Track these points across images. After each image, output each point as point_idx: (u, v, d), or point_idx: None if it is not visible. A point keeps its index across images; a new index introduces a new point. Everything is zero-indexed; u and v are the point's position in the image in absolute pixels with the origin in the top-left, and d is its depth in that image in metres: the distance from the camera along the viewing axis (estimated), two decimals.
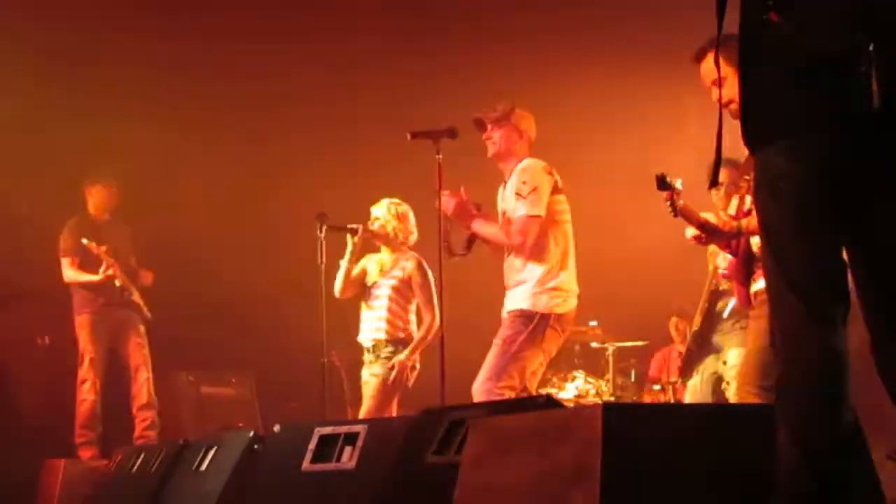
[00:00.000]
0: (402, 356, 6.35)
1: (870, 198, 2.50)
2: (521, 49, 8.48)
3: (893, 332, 2.53)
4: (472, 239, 5.56)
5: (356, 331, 6.62)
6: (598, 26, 8.42)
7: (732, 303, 5.82)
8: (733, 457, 2.89)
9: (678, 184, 4.65)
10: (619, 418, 2.82)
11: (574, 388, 8.16)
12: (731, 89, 3.53)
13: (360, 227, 6.47)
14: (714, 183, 2.91)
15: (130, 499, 5.69)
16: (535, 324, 5.27)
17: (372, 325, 6.50)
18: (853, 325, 2.58)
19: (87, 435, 7.52)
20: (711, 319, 6.15)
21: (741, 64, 2.61)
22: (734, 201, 4.81)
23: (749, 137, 2.62)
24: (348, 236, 6.46)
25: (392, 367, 6.33)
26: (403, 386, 6.40)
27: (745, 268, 4.93)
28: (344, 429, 4.42)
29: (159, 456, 5.67)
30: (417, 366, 6.44)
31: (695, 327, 6.30)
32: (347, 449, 4.26)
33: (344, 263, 6.50)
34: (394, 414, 6.37)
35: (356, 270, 6.58)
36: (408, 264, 6.52)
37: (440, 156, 5.49)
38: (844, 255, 2.60)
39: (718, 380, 6.15)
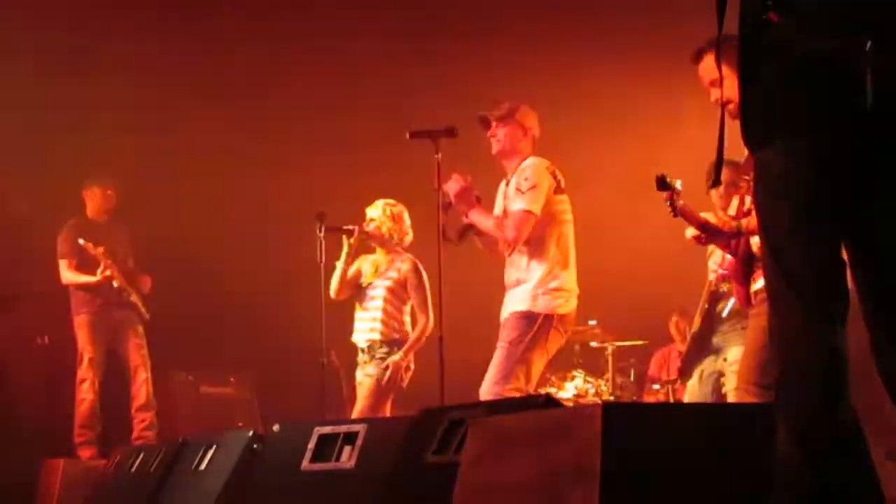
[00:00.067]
0: (396, 356, 6.35)
1: (870, 197, 2.50)
2: (521, 49, 8.48)
3: (893, 332, 2.53)
4: (467, 229, 5.54)
5: (352, 331, 6.62)
6: (598, 26, 8.41)
7: (731, 303, 5.82)
8: (733, 456, 2.90)
9: (678, 184, 4.65)
10: (618, 418, 2.82)
11: (573, 388, 8.16)
12: (731, 89, 3.53)
13: (356, 228, 6.47)
14: (716, 182, 2.91)
15: (130, 498, 5.69)
16: (538, 325, 5.27)
17: (367, 325, 6.50)
18: (853, 325, 2.58)
19: (87, 435, 7.53)
20: (711, 320, 6.15)
21: (741, 64, 2.61)
22: (734, 201, 4.82)
23: (749, 137, 2.62)
24: (344, 237, 6.46)
25: (386, 368, 6.33)
26: (398, 387, 6.40)
27: (744, 267, 4.93)
28: (343, 428, 4.42)
29: (158, 455, 5.67)
30: (412, 366, 6.44)
31: (694, 328, 6.30)
32: (347, 448, 4.27)
33: (340, 264, 6.50)
34: (387, 415, 6.36)
35: (351, 271, 6.58)
36: (403, 265, 6.52)
37: (439, 155, 5.49)
38: (844, 255, 2.60)
39: (718, 379, 6.15)
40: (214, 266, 8.64)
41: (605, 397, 8.10)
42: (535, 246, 5.37)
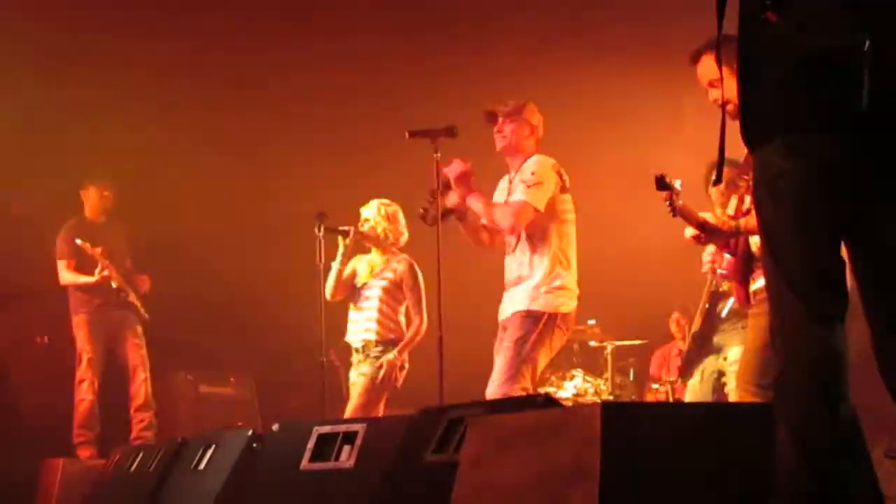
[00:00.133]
0: (390, 355, 6.35)
1: (869, 196, 2.51)
2: (520, 49, 8.49)
3: (894, 330, 2.53)
4: (447, 214, 5.52)
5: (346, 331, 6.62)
6: (597, 26, 8.42)
7: (731, 303, 5.83)
8: (732, 456, 2.90)
9: (677, 184, 4.65)
10: (617, 417, 2.82)
11: (573, 387, 8.17)
12: (729, 89, 3.53)
13: (351, 228, 6.46)
14: (718, 180, 2.91)
15: (129, 498, 5.69)
16: (543, 323, 5.27)
17: (361, 325, 6.50)
18: (853, 324, 2.58)
19: (86, 434, 7.53)
20: (712, 320, 6.15)
21: (740, 64, 2.62)
22: (733, 201, 4.82)
23: (748, 136, 2.62)
24: (339, 238, 6.46)
25: (381, 367, 6.33)
26: (392, 386, 6.39)
27: (743, 267, 4.93)
28: (343, 428, 4.42)
29: (158, 455, 5.67)
30: (406, 365, 6.44)
31: (695, 328, 6.31)
32: (346, 448, 4.27)
33: (335, 265, 6.49)
34: (380, 414, 6.36)
35: (346, 272, 6.58)
36: (399, 266, 6.52)
37: (438, 154, 5.50)
38: (843, 254, 2.61)
39: (718, 378, 6.15)
40: (214, 266, 8.64)
41: (605, 397, 8.10)
42: (538, 243, 5.37)
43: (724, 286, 5.89)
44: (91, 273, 7.58)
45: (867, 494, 2.63)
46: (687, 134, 8.51)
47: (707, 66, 4.37)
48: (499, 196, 5.60)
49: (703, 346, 6.29)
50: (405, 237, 6.65)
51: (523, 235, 5.40)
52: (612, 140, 8.74)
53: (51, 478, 7.22)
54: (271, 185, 8.93)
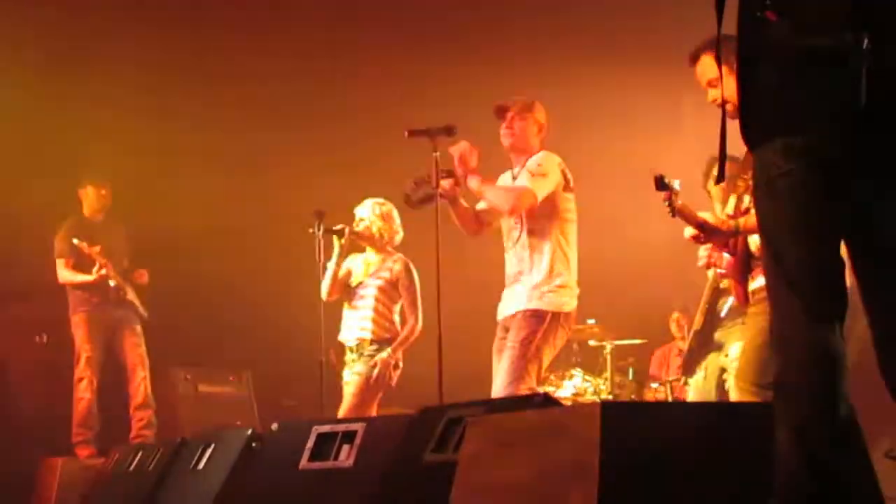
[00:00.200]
0: (384, 354, 6.34)
1: (869, 196, 2.51)
2: (520, 48, 8.49)
3: (894, 330, 2.53)
4: (430, 198, 5.50)
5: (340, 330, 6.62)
6: (596, 26, 8.42)
7: (731, 300, 5.83)
8: (732, 455, 2.90)
9: (676, 184, 4.65)
10: (617, 417, 2.82)
11: (572, 387, 8.17)
12: (729, 89, 3.53)
13: (346, 228, 6.45)
14: (720, 179, 2.91)
15: (128, 497, 5.69)
16: (547, 323, 5.27)
17: (356, 324, 6.49)
18: (853, 324, 2.58)
19: (85, 434, 7.53)
20: (713, 317, 6.15)
21: (740, 63, 2.62)
22: (732, 200, 4.82)
23: (748, 136, 2.62)
24: (334, 238, 6.45)
25: (374, 366, 6.32)
26: (386, 385, 6.38)
27: (742, 266, 4.94)
28: (342, 427, 4.42)
29: (157, 454, 5.67)
30: (400, 364, 6.44)
31: (696, 326, 6.31)
32: (345, 447, 4.27)
33: (330, 265, 6.48)
34: (374, 413, 6.36)
35: (342, 272, 6.57)
36: (395, 266, 6.52)
37: (437, 153, 5.50)
38: (843, 253, 2.61)
39: (720, 375, 6.15)
40: (213, 265, 8.64)
41: (604, 396, 8.10)
42: (539, 241, 5.37)
43: (724, 283, 5.89)
44: (89, 272, 7.58)
45: (867, 494, 2.63)
46: (686, 134, 8.52)
47: (706, 66, 4.38)
48: None
49: (704, 343, 6.29)
50: (400, 236, 6.65)
51: (524, 231, 5.40)
52: (611, 140, 8.74)
53: (50, 477, 7.22)
54: (270, 184, 8.93)
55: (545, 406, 3.53)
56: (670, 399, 7.91)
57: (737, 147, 2.76)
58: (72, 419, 7.58)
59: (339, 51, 8.60)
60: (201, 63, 8.49)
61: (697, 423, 3.00)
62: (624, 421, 2.84)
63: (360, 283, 6.56)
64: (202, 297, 8.58)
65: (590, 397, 8.07)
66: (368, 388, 6.33)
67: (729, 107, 3.71)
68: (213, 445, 5.17)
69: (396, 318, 6.54)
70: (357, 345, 6.46)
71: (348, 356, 6.50)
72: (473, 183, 5.39)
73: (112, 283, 7.61)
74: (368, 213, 6.58)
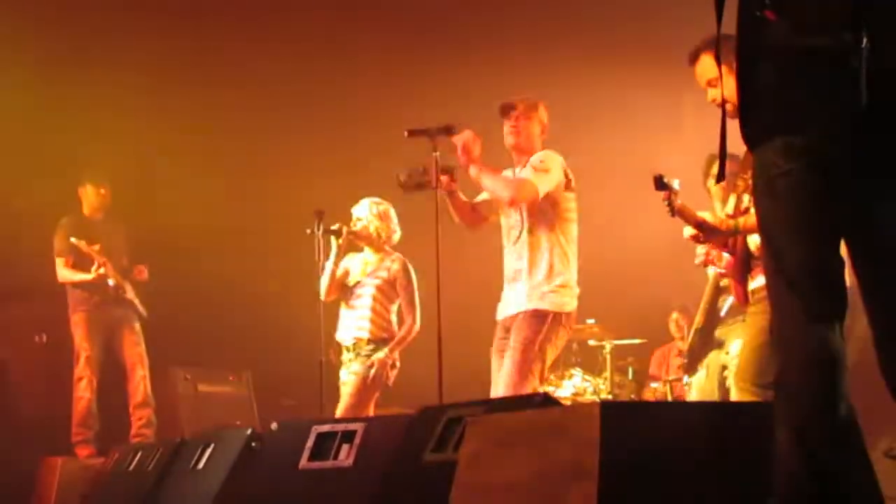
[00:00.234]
0: (380, 354, 6.34)
1: (869, 196, 2.51)
2: (519, 48, 8.48)
3: (895, 331, 2.53)
4: (421, 186, 5.49)
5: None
6: (595, 25, 8.42)
7: (731, 299, 5.83)
8: (731, 455, 2.90)
9: (675, 184, 4.65)
10: (616, 417, 2.82)
11: (571, 386, 8.16)
12: (728, 89, 3.53)
13: (344, 228, 6.45)
14: (720, 178, 2.91)
15: (128, 497, 5.69)
16: (549, 323, 5.27)
17: (353, 323, 6.49)
18: (853, 323, 2.58)
19: (84, 433, 7.52)
20: (714, 315, 6.16)
21: (739, 63, 2.62)
22: (731, 199, 4.82)
23: (748, 135, 2.62)
24: (332, 238, 6.44)
25: (371, 366, 6.32)
26: (383, 385, 6.38)
27: (742, 266, 4.94)
28: (341, 427, 4.42)
29: (156, 454, 5.67)
30: (397, 364, 6.43)
31: (697, 324, 6.31)
32: (345, 447, 4.27)
33: (328, 265, 6.47)
34: (371, 413, 6.35)
35: (340, 271, 6.57)
36: (393, 265, 6.51)
37: (437, 153, 5.50)
38: (843, 253, 2.61)
39: (722, 373, 6.16)
40: (213, 265, 8.64)
41: (603, 396, 8.10)
42: (540, 239, 5.36)
43: (725, 281, 5.90)
44: (89, 271, 7.58)
45: (866, 494, 2.63)
46: (685, 133, 8.51)
47: (705, 66, 4.38)
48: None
49: (705, 341, 6.30)
50: (398, 235, 6.64)
51: (525, 230, 5.39)
52: (611, 139, 8.74)
53: (49, 477, 7.22)
54: (270, 184, 8.93)
55: (545, 406, 3.53)
56: (670, 399, 7.92)
57: (737, 146, 2.76)
58: (71, 419, 7.58)
59: (339, 51, 8.60)
60: (201, 63, 8.49)
61: (697, 422, 3.00)
62: (623, 421, 2.84)
63: (358, 283, 6.56)
64: (202, 297, 8.57)
65: (589, 397, 8.07)
66: (365, 387, 6.32)
67: (729, 106, 3.71)
68: (212, 445, 5.16)
69: (394, 317, 6.54)
70: (354, 344, 6.45)
71: (345, 356, 6.49)
72: (475, 172, 5.37)
73: (111, 281, 7.61)
74: (366, 212, 6.57)
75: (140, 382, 7.68)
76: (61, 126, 8.24)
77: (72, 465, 7.25)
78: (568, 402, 7.00)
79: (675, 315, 8.68)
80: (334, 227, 6.42)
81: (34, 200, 8.06)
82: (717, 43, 2.85)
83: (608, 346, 8.33)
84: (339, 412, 6.28)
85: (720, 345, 6.17)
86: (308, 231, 6.42)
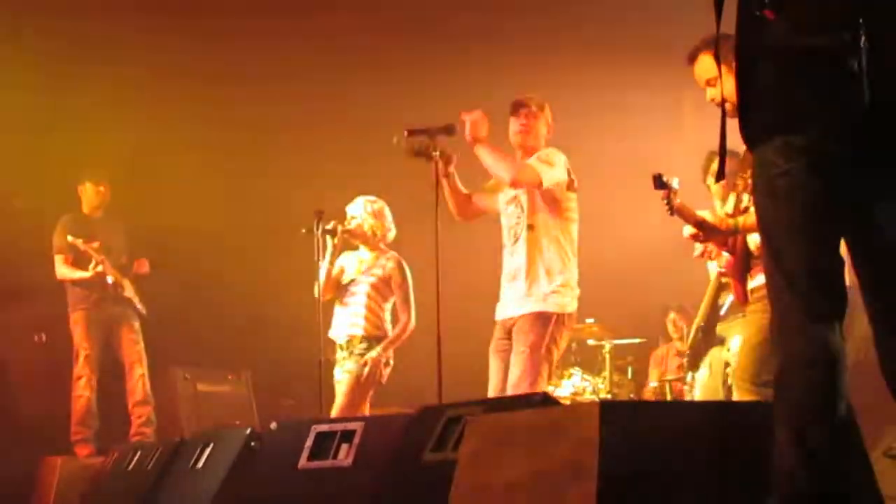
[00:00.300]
0: (374, 352, 6.33)
1: (869, 196, 2.51)
2: (518, 48, 8.48)
3: (895, 330, 2.53)
4: (420, 153, 5.45)
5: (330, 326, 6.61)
6: (594, 24, 8.42)
7: (731, 297, 5.83)
8: (731, 455, 2.89)
9: (675, 183, 4.65)
10: (615, 416, 2.82)
11: (570, 386, 8.17)
12: (728, 88, 3.53)
13: (339, 226, 6.44)
14: (720, 176, 2.91)
15: (127, 496, 5.69)
16: (553, 324, 5.26)
17: (347, 320, 6.47)
18: (853, 323, 2.59)
19: (84, 432, 7.52)
20: (715, 313, 6.16)
21: (739, 62, 2.62)
22: (731, 199, 4.82)
23: (747, 135, 2.63)
24: (327, 237, 6.43)
25: (365, 364, 6.31)
26: (377, 383, 6.37)
27: (742, 265, 4.95)
28: (341, 426, 4.42)
29: (156, 453, 5.67)
30: (391, 362, 6.42)
31: (699, 322, 6.31)
32: (344, 446, 4.27)
33: (324, 264, 6.47)
34: (366, 412, 6.35)
35: (335, 270, 6.56)
36: (388, 264, 6.50)
37: (437, 153, 5.49)
38: (843, 252, 2.61)
39: (724, 370, 6.16)
40: (212, 264, 8.64)
41: (603, 395, 8.10)
42: (541, 238, 5.34)
43: (726, 279, 5.90)
44: (87, 268, 7.58)
45: (866, 494, 2.63)
46: (685, 132, 8.51)
47: (704, 66, 4.38)
48: (502, 198, 5.58)
49: (707, 338, 6.30)
50: (393, 233, 6.63)
51: (526, 228, 5.38)
52: (610, 139, 8.73)
53: (49, 476, 7.22)
54: (270, 183, 8.93)
55: (544, 405, 3.53)
56: (669, 398, 7.92)
57: (737, 143, 2.76)
58: (71, 418, 7.57)
59: (339, 50, 8.60)
60: (201, 62, 8.48)
61: (697, 422, 3.00)
62: (623, 420, 2.83)
63: (352, 281, 6.54)
64: (201, 297, 8.57)
65: (588, 396, 8.07)
66: (359, 386, 6.30)
67: (728, 106, 3.70)
68: (211, 445, 5.16)
69: (388, 316, 6.52)
70: (347, 342, 6.43)
71: (339, 354, 6.47)
72: (481, 150, 5.32)
73: (110, 279, 7.61)
74: (360, 210, 6.56)
75: (139, 381, 7.68)
76: (61, 126, 8.24)
77: (71, 465, 7.25)
78: (567, 402, 7.00)
79: (672, 315, 8.68)
80: (328, 225, 6.41)
81: (34, 200, 8.07)
82: (717, 42, 2.85)
83: (607, 345, 8.33)
84: (334, 412, 6.27)
85: (721, 341, 6.17)
86: (303, 231, 6.41)
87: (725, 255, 5.04)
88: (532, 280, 5.34)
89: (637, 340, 8.69)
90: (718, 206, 5.12)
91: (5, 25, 7.84)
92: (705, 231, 4.72)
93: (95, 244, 7.59)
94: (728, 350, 6.01)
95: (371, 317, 6.44)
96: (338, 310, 6.55)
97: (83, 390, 7.55)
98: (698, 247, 5.32)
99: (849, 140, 2.47)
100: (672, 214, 4.69)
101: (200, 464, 5.14)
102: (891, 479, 3.28)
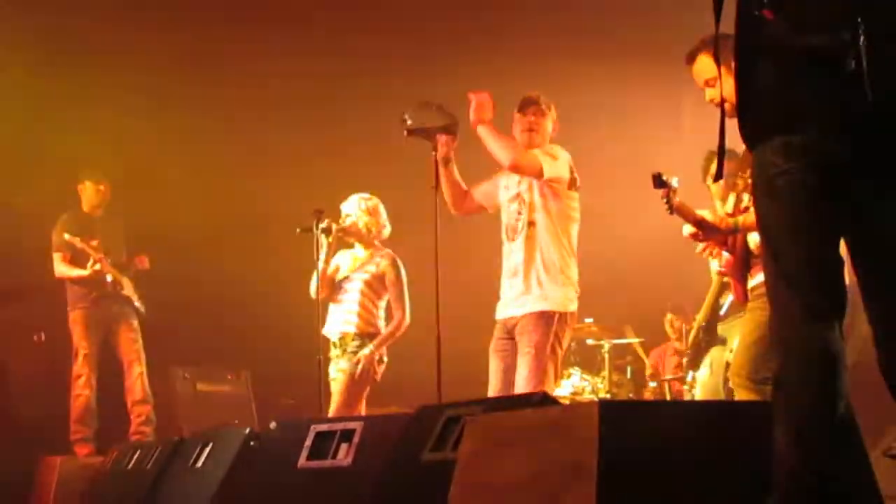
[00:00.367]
0: (366, 350, 6.33)
1: (869, 196, 2.51)
2: (517, 46, 8.48)
3: (894, 330, 2.53)
4: (426, 131, 5.44)
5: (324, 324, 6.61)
6: (594, 23, 8.41)
7: (731, 297, 5.84)
8: (730, 454, 2.89)
9: (674, 182, 4.65)
10: (615, 416, 2.81)
11: (570, 386, 8.16)
12: (727, 88, 3.53)
13: (334, 225, 6.43)
14: (719, 176, 2.91)
15: (127, 496, 5.69)
16: (556, 323, 5.26)
17: (340, 317, 6.47)
18: (854, 322, 2.58)
19: (83, 431, 7.52)
20: (717, 312, 6.17)
21: (738, 62, 2.62)
22: (731, 198, 4.82)
23: (747, 135, 2.63)
24: (322, 236, 6.43)
25: (358, 362, 6.31)
26: (371, 380, 6.36)
27: (742, 264, 4.95)
28: (340, 425, 4.42)
29: (155, 453, 5.67)
30: (385, 359, 6.42)
31: (701, 321, 6.31)
32: (343, 446, 4.26)
33: (319, 263, 6.46)
34: (363, 410, 6.35)
35: (331, 268, 6.56)
36: (382, 261, 6.50)
37: (436, 153, 5.49)
38: (842, 252, 2.61)
39: (726, 370, 6.17)
40: (211, 263, 8.64)
41: (602, 395, 8.10)
42: (542, 235, 5.33)
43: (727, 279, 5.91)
44: (86, 266, 7.58)
45: (865, 493, 2.63)
46: (684, 132, 8.51)
47: (703, 66, 4.37)
48: (503, 194, 5.57)
49: (709, 338, 6.30)
50: (388, 230, 6.63)
51: (527, 224, 5.36)
52: (609, 138, 8.73)
53: (48, 475, 7.22)
54: (269, 182, 8.92)
55: (543, 405, 3.53)
56: (669, 398, 7.92)
57: (737, 144, 2.76)
58: (70, 417, 7.57)
59: (339, 50, 8.60)
60: (200, 62, 8.48)
61: (696, 421, 3.00)
62: (622, 420, 2.83)
63: (346, 278, 6.54)
64: (201, 296, 8.57)
65: (587, 396, 8.07)
66: (353, 384, 6.30)
67: (727, 106, 3.70)
68: (211, 444, 5.16)
69: (382, 313, 6.52)
70: (340, 339, 6.42)
71: (332, 351, 6.45)
72: (483, 131, 5.28)
73: (109, 277, 7.61)
74: (354, 208, 6.56)
75: (137, 379, 7.68)
76: (59, 125, 8.23)
77: (70, 464, 7.25)
78: (566, 402, 7.00)
79: (669, 316, 8.68)
80: (322, 224, 6.41)
81: (34, 200, 8.06)
82: (716, 43, 2.85)
83: (606, 345, 8.33)
84: (331, 412, 6.27)
85: (723, 341, 6.18)
86: (297, 230, 6.41)
87: (725, 254, 5.05)
88: (532, 277, 5.32)
89: (636, 340, 8.69)
90: (719, 206, 5.12)
91: (6, 26, 7.83)
92: (705, 230, 4.72)
93: (94, 242, 7.59)
94: (731, 351, 6.02)
95: (364, 314, 6.44)
96: (332, 307, 6.55)
97: (82, 389, 7.56)
98: (701, 246, 5.33)
99: (848, 140, 2.47)
100: (671, 213, 4.69)
101: (200, 463, 5.14)
102: (891, 479, 3.28)
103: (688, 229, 4.80)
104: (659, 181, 4.63)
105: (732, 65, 2.63)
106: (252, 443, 4.92)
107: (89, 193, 7.92)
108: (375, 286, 6.48)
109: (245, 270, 8.77)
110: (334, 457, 4.27)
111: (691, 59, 4.41)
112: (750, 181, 3.02)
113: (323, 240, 6.41)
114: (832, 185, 2.50)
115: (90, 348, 7.61)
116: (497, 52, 8.45)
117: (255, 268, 8.80)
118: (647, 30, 8.16)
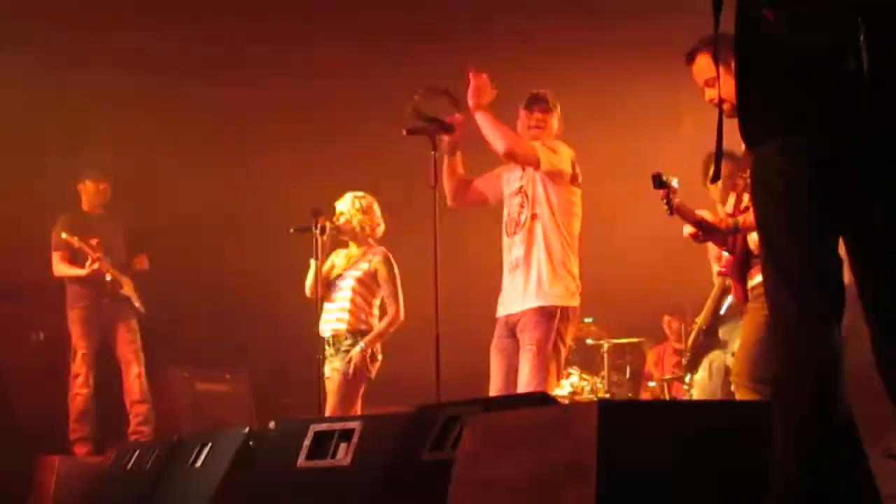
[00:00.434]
0: (358, 348, 6.31)
1: (868, 196, 2.51)
2: (516, 45, 8.48)
3: (893, 328, 2.53)
4: (434, 123, 5.40)
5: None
6: (594, 23, 8.41)
7: (731, 299, 5.84)
8: (729, 454, 2.89)
9: (674, 182, 4.65)
10: (614, 415, 2.81)
11: (569, 385, 8.16)
12: (726, 88, 3.53)
13: (328, 224, 6.43)
14: (716, 177, 2.90)
15: (126, 496, 5.69)
16: (558, 319, 5.24)
17: (333, 315, 6.46)
18: (854, 322, 2.58)
19: (81, 431, 7.51)
20: (718, 314, 6.16)
21: (738, 62, 2.61)
22: (731, 198, 4.82)
23: (747, 135, 2.62)
24: (317, 234, 6.43)
25: (350, 360, 6.30)
26: (366, 378, 6.36)
27: (741, 264, 4.95)
28: (339, 425, 4.42)
29: (154, 453, 5.67)
30: (379, 357, 6.41)
31: (702, 324, 6.30)
32: (343, 445, 4.26)
33: (314, 262, 6.46)
34: (359, 408, 6.34)
35: (325, 268, 6.56)
36: (375, 258, 6.49)
37: (436, 151, 5.48)
38: (842, 252, 2.61)
39: (727, 374, 6.16)
40: (211, 263, 8.63)
41: (601, 395, 8.10)
42: (543, 229, 5.30)
43: (729, 280, 5.91)
44: (84, 266, 7.58)
45: (864, 493, 2.62)
46: (684, 132, 8.50)
47: (702, 66, 4.37)
48: (506, 188, 5.56)
49: (709, 340, 6.29)
50: (382, 228, 6.63)
51: (529, 218, 5.34)
52: (609, 137, 8.72)
53: (47, 475, 7.21)
54: (269, 182, 8.92)
55: (543, 405, 3.53)
56: (667, 397, 7.92)
57: (736, 144, 2.76)
58: (68, 416, 7.57)
59: (339, 49, 8.59)
60: (200, 61, 8.48)
61: (695, 421, 3.00)
62: (621, 420, 2.83)
63: (340, 276, 6.54)
64: (200, 295, 8.57)
65: (587, 396, 8.07)
66: (347, 383, 6.29)
67: (726, 106, 3.70)
68: (210, 444, 5.16)
69: (376, 311, 6.51)
70: (333, 337, 6.41)
71: (326, 350, 6.44)
72: (482, 117, 5.27)
73: (108, 277, 7.61)
74: (348, 206, 6.56)
75: (136, 379, 7.68)
76: (59, 124, 8.23)
77: (69, 464, 7.24)
78: (566, 401, 7.00)
79: (666, 318, 8.68)
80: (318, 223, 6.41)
81: (34, 200, 8.06)
82: (716, 42, 2.85)
83: (606, 344, 8.33)
84: (327, 411, 6.26)
85: (724, 344, 6.17)
86: (291, 230, 6.41)
87: (725, 254, 5.04)
88: (533, 271, 5.29)
89: (635, 340, 8.69)
90: (720, 208, 5.12)
91: (6, 25, 7.83)
92: (704, 230, 4.72)
93: (94, 242, 7.59)
94: (731, 355, 6.02)
95: (356, 311, 6.43)
96: (326, 306, 6.54)
97: (81, 388, 7.56)
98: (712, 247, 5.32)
99: (847, 140, 2.47)
100: (671, 214, 4.68)
101: (199, 463, 5.14)
102: (891, 480, 3.27)
103: (687, 229, 4.80)
104: (659, 181, 4.63)
105: (732, 65, 2.63)
106: (251, 442, 4.92)
107: (90, 192, 7.92)
108: (368, 283, 6.48)
109: (244, 270, 8.77)
110: (333, 456, 4.27)
111: (691, 58, 4.41)
112: (749, 181, 3.02)
113: (317, 238, 6.41)
114: (832, 185, 2.50)
115: (89, 348, 7.61)
116: (497, 53, 8.43)
117: (254, 268, 8.79)
118: (646, 30, 8.16)
